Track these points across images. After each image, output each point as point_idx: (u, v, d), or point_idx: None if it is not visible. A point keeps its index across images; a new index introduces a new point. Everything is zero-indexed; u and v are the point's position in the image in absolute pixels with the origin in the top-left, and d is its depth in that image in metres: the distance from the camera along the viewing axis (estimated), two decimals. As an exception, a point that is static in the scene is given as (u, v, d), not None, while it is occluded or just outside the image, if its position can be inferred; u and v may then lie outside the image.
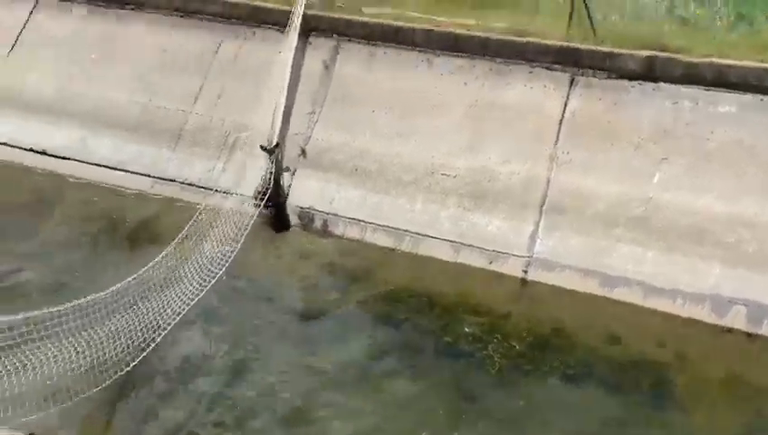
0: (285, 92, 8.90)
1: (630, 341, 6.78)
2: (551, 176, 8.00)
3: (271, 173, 8.36)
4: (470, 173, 8.20)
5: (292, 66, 9.03)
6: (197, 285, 6.69)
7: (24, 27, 10.44)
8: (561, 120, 8.23)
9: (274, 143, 8.46)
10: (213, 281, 6.81)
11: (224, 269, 6.99)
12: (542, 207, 7.89)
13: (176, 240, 7.09)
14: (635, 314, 7.15)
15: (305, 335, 6.85)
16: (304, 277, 7.56)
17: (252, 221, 7.75)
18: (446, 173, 8.26)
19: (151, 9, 10.11)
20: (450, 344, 6.62)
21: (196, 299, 6.57)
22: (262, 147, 8.37)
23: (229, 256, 7.21)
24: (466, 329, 6.79)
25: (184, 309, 6.38)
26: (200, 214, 7.58)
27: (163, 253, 6.78)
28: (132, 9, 10.22)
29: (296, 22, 9.11)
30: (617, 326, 7.00)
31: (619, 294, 7.32)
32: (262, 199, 8.23)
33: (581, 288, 7.43)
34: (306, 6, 9.58)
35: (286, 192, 8.66)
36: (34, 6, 10.59)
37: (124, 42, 10.01)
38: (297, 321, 6.94)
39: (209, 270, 6.92)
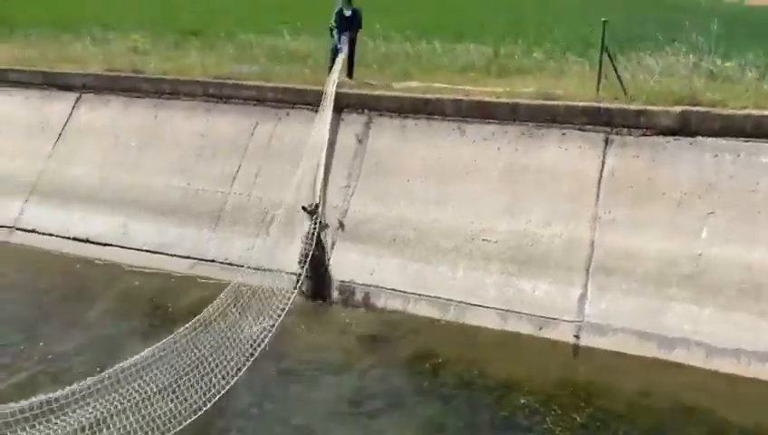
0: (324, 153, 9.09)
1: (698, 405, 6.40)
2: (594, 237, 7.86)
3: (312, 234, 8.42)
4: (511, 237, 8.10)
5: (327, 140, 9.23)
6: (239, 361, 6.61)
7: (67, 121, 10.88)
8: (599, 180, 8.16)
9: (315, 204, 8.61)
10: (254, 356, 6.72)
11: (264, 344, 6.89)
12: (588, 268, 7.71)
13: (206, 314, 6.99)
14: (698, 376, 6.81)
15: (355, 415, 6.61)
16: (348, 353, 7.37)
17: (294, 293, 7.72)
18: (486, 238, 8.17)
19: (187, 97, 10.50)
20: (507, 418, 6.30)
21: (238, 375, 6.49)
22: (303, 207, 8.53)
23: (269, 332, 7.12)
24: (522, 401, 6.49)
25: (226, 385, 6.29)
26: (240, 291, 7.57)
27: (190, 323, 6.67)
28: (168, 98, 10.63)
29: (329, 100, 9.38)
30: (680, 390, 6.64)
31: (679, 356, 7.01)
32: (304, 264, 8.26)
33: (638, 351, 7.14)
34: (339, 85, 9.90)
35: (326, 265, 8.64)
36: (77, 101, 11.07)
37: (162, 129, 10.35)
38: (345, 400, 6.70)
39: (250, 346, 6.86)
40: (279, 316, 7.38)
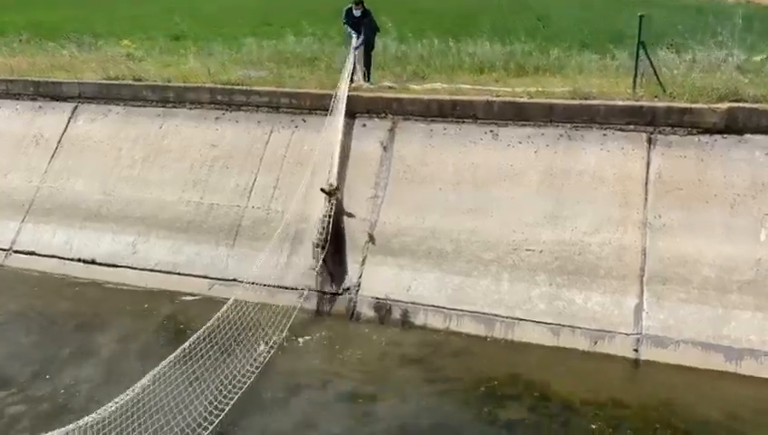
0: (341, 136, 8.70)
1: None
2: (646, 243, 7.43)
3: (330, 217, 8.03)
4: (557, 246, 7.63)
5: (343, 147, 8.69)
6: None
7: (63, 133, 10.15)
8: (645, 182, 7.75)
9: (335, 185, 8.24)
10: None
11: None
12: (642, 277, 7.27)
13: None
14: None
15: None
16: (394, 379, 6.80)
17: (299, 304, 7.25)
18: (530, 248, 7.69)
19: (193, 105, 9.85)
20: (580, 446, 5.84)
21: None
22: (322, 189, 8.18)
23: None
24: (591, 425, 6.01)
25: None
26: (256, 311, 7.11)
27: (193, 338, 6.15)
28: (173, 106, 9.97)
29: (342, 104, 8.84)
30: (755, 406, 6.23)
31: (749, 368, 6.60)
32: (323, 248, 7.93)
33: (704, 365, 6.71)
34: (356, 88, 9.37)
35: (357, 282, 8.08)
36: (73, 111, 10.35)
37: (168, 139, 9.69)
38: (394, 430, 6.16)
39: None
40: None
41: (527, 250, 7.69)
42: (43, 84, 10.60)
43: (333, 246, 8.10)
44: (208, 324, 6.52)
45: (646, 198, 7.66)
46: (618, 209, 7.68)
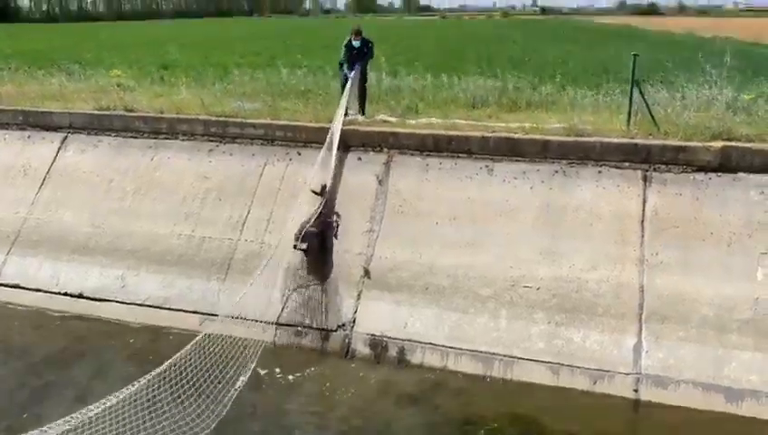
0: (337, 137, 8.75)
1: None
2: (643, 281, 7.40)
3: (319, 214, 8.22)
4: (555, 283, 7.58)
5: (335, 177, 8.64)
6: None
7: (52, 164, 9.99)
8: (642, 220, 7.76)
9: (323, 185, 8.48)
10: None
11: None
12: (641, 315, 7.22)
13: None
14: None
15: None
16: (391, 420, 6.65)
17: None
18: (528, 285, 7.63)
19: (186, 137, 9.77)
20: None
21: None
22: (312, 190, 8.37)
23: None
24: (594, 468, 5.90)
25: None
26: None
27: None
28: (166, 138, 9.87)
29: (335, 137, 8.80)
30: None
31: (751, 409, 6.54)
32: (304, 241, 8.01)
33: (705, 405, 6.64)
34: (351, 122, 9.36)
35: (352, 318, 7.95)
36: (63, 141, 10.21)
37: (160, 171, 9.56)
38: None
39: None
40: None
41: (525, 287, 7.63)
42: (33, 114, 10.46)
43: (327, 281, 7.99)
44: (175, 358, 5.95)
45: (642, 236, 7.66)
46: (614, 246, 7.67)
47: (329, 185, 8.56)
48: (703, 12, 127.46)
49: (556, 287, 7.55)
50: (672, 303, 7.21)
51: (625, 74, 15.12)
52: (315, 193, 8.45)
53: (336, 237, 8.44)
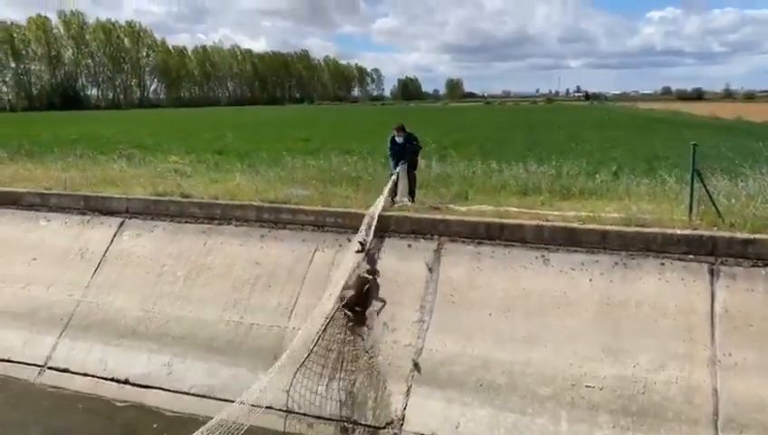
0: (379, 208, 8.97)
1: None
2: (716, 383, 6.86)
3: (359, 270, 8.57)
4: (619, 383, 7.09)
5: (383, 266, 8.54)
6: None
7: (108, 248, 10.20)
8: (711, 316, 7.29)
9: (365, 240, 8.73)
10: None
11: None
12: (716, 422, 6.64)
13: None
14: None
15: None
16: None
17: None
18: (590, 384, 7.16)
19: (239, 222, 9.89)
20: None
21: None
22: (360, 242, 8.72)
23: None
24: None
25: None
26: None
27: None
28: (219, 223, 10.01)
29: (374, 220, 8.88)
30: None
31: None
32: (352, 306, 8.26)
33: None
34: (401, 208, 9.35)
35: (401, 415, 7.57)
36: (120, 226, 10.46)
37: (212, 257, 9.63)
38: None
39: None
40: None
41: (586, 386, 7.16)
42: (93, 199, 10.83)
43: (374, 374, 7.69)
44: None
45: (713, 334, 7.18)
46: (682, 345, 7.19)
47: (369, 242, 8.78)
48: (750, 97, 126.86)
49: (621, 388, 7.06)
50: (751, 410, 6.61)
51: (675, 160, 14.91)
52: (361, 245, 8.68)
53: (376, 297, 8.43)
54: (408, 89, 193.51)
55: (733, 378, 6.85)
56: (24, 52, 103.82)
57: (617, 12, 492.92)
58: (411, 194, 10.14)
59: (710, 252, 7.71)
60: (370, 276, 8.59)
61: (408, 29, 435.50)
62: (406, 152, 10.15)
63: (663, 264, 7.81)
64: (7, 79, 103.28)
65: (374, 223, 8.88)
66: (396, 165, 10.12)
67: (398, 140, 10.18)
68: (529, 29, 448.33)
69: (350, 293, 8.34)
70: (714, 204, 8.29)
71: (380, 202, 9.30)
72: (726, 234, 7.71)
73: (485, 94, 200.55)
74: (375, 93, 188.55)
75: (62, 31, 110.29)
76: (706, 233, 7.77)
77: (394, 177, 10.00)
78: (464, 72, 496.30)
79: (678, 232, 7.87)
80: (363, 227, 8.85)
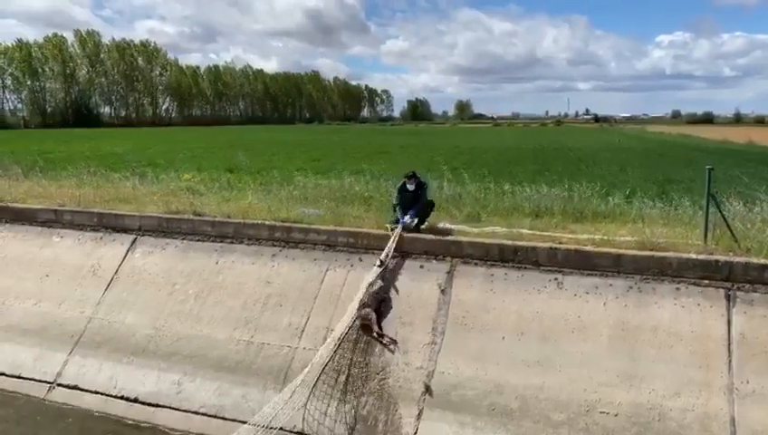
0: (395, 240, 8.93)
1: None
2: (734, 411, 6.74)
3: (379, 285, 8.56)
4: (634, 409, 6.98)
5: (390, 288, 8.57)
6: None
7: (120, 265, 10.22)
8: (728, 343, 7.19)
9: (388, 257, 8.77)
10: None
11: None
12: (735, 452, 6.51)
13: None
14: None
15: None
16: None
17: None
18: (604, 410, 7.05)
19: (251, 241, 9.90)
20: None
21: None
22: (381, 260, 8.71)
23: None
24: None
25: None
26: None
27: None
28: (231, 242, 10.02)
29: (391, 243, 8.85)
30: None
31: None
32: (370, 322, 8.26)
33: None
34: (411, 230, 9.30)
35: (413, 439, 7.47)
36: (132, 243, 10.50)
37: (223, 275, 9.62)
38: None
39: None
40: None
41: (601, 412, 7.05)
42: (106, 216, 10.88)
43: (385, 396, 7.61)
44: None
45: (730, 361, 7.07)
46: (698, 371, 7.09)
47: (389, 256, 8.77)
48: (760, 121, 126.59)
49: (636, 414, 6.95)
50: (770, 439, 6.49)
51: (688, 184, 14.83)
52: (381, 262, 8.70)
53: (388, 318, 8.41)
54: (417, 110, 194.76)
55: (750, 406, 6.73)
56: (40, 70, 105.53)
57: (626, 35, 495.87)
58: (421, 222, 9.51)
59: (726, 277, 7.62)
60: (386, 295, 8.54)
61: (418, 50, 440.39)
62: (416, 202, 9.26)
63: (678, 289, 7.73)
64: (23, 96, 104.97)
65: (391, 243, 8.84)
66: (403, 215, 9.15)
67: (409, 187, 9.34)
68: (538, 51, 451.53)
69: (367, 311, 8.28)
70: (729, 229, 8.22)
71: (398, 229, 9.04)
72: (743, 259, 7.63)
73: (494, 116, 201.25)
74: (384, 114, 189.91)
75: (77, 50, 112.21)
76: (723, 258, 7.70)
77: (398, 229, 9.05)
78: (473, 94, 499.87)
79: (694, 256, 7.79)
80: (388, 245, 8.87)
